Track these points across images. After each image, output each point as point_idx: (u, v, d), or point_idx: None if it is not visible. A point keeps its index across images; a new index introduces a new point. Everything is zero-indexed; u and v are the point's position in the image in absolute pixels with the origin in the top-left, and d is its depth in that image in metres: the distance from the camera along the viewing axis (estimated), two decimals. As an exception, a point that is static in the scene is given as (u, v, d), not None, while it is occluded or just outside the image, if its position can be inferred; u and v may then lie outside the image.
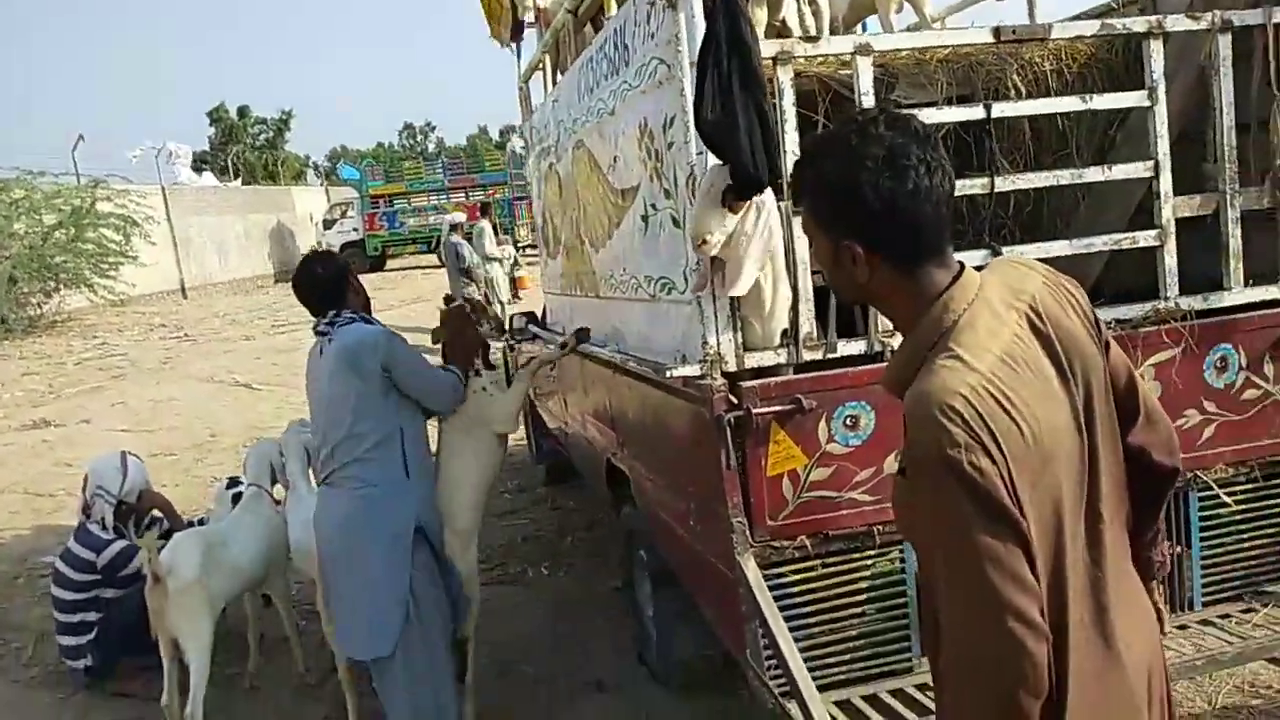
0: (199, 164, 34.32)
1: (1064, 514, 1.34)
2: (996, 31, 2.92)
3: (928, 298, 1.39)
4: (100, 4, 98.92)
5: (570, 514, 6.48)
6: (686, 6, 2.56)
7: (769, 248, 2.62)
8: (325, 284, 3.35)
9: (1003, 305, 1.40)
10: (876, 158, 1.33)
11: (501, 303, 12.21)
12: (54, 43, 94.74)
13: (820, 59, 2.90)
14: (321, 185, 39.83)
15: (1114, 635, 1.39)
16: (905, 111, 1.43)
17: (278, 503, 4.48)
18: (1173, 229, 3.01)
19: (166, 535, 4.32)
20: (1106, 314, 2.95)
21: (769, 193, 2.61)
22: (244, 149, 49.39)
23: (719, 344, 2.72)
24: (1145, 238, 3.01)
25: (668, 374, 2.83)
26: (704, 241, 2.53)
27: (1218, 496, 3.03)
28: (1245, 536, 3.10)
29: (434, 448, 3.58)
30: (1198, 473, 3.01)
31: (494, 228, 14.02)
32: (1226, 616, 3.06)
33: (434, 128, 73.59)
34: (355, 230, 27.20)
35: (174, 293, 21.56)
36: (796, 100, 2.85)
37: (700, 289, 2.68)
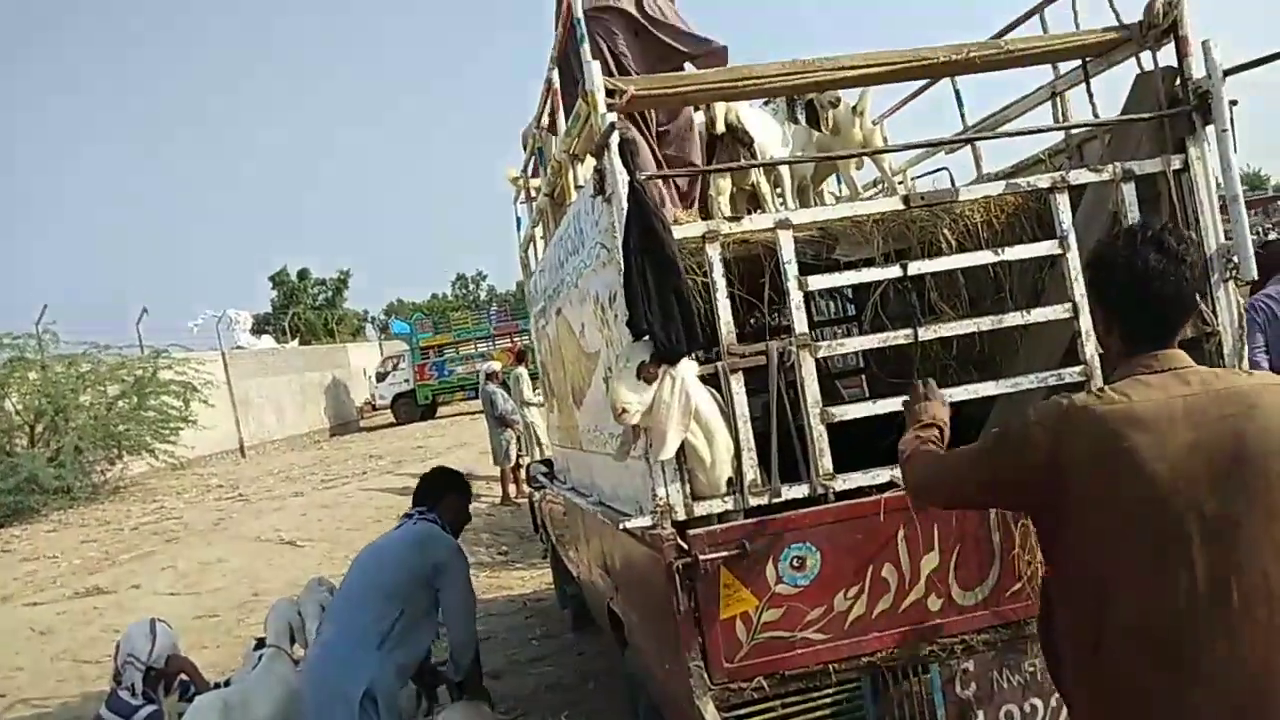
0: (260, 327, 35.92)
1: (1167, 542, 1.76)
2: (906, 199, 3.22)
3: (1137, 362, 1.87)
4: (161, 179, 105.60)
5: (592, 659, 6.55)
6: (618, 201, 2.91)
7: (688, 411, 2.86)
8: (429, 485, 4.05)
9: (1196, 379, 1.83)
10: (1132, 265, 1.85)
11: (541, 447, 12.51)
12: (119, 211, 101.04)
13: (750, 232, 3.19)
14: (378, 339, 41.28)
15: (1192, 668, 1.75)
16: (1159, 232, 1.88)
17: (297, 663, 4.67)
18: (1097, 364, 3.20)
19: (192, 698, 4.54)
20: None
21: (683, 362, 2.87)
22: (304, 309, 51.46)
23: (668, 495, 2.93)
24: (1070, 374, 3.20)
25: (621, 526, 3.04)
26: (623, 411, 2.79)
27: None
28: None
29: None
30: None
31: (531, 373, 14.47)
32: None
33: (485, 276, 76.03)
34: (406, 381, 28.09)
35: (233, 452, 22.30)
36: (744, 264, 3.17)
37: (624, 456, 2.94)
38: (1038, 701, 3.07)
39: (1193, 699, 1.77)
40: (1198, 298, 2.29)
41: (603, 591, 4.52)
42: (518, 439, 12.60)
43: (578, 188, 3.65)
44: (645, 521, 2.97)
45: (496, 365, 13.12)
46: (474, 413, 25.51)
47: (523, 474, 12.26)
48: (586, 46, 2.97)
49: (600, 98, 2.94)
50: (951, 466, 2.15)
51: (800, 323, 3.06)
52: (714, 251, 3.03)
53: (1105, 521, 1.82)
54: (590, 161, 3.85)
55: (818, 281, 3.14)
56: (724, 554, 2.86)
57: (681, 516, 2.94)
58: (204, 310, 26.57)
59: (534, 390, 13.98)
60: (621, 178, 2.87)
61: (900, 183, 5.17)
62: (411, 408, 27.58)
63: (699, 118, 4.31)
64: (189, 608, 8.02)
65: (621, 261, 2.81)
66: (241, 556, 10.12)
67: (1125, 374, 1.88)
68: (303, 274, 55.18)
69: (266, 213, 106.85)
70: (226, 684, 4.84)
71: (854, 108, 5.00)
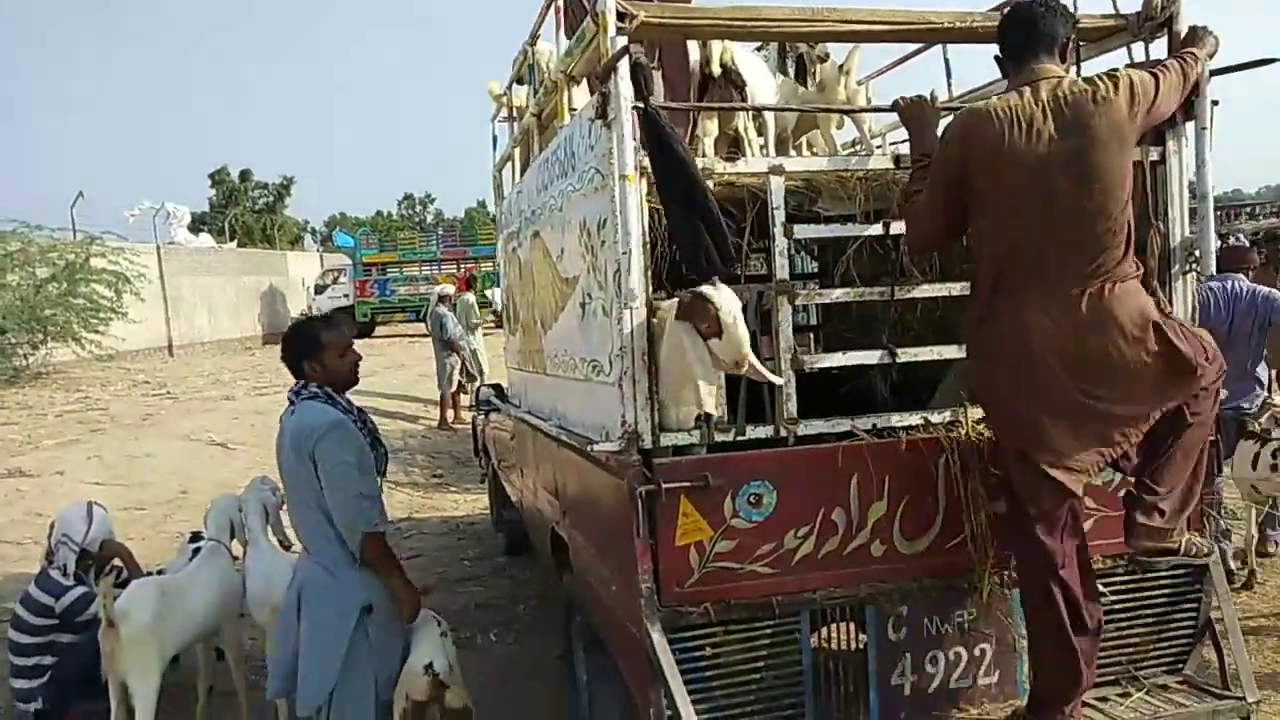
0: (197, 225, 34.84)
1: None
2: (896, 159, 3.29)
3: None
4: (110, 64, 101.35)
5: (525, 584, 6.68)
6: (619, 127, 2.91)
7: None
8: (289, 355, 3.56)
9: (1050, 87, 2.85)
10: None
11: (482, 373, 12.52)
12: (60, 99, 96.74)
13: (737, 174, 3.23)
14: (318, 251, 40.40)
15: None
16: None
17: (235, 559, 4.68)
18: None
19: (124, 584, 4.52)
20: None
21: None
22: (243, 212, 50.08)
23: (637, 423, 3.00)
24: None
25: (590, 448, 3.10)
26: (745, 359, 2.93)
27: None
28: (1122, 625, 3.35)
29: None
30: (1077, 562, 3.27)
31: (478, 301, 14.41)
32: (1104, 699, 3.29)
33: (434, 199, 74.68)
34: (346, 296, 27.63)
35: (160, 350, 21.78)
36: (730, 207, 3.22)
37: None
38: (962, 650, 3.24)
39: (1030, 318, 2.82)
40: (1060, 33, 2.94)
41: (548, 516, 4.60)
42: (462, 364, 12.57)
43: (571, 110, 3.64)
44: (613, 446, 3.03)
45: (450, 289, 13.04)
46: (413, 335, 25.33)
47: (465, 399, 12.26)
48: (602, -34, 2.95)
49: (611, 19, 2.92)
50: (923, 204, 3.02)
51: (782, 269, 3.12)
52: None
53: (991, 195, 2.85)
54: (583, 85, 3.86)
55: (803, 230, 3.19)
56: (686, 484, 2.94)
57: (648, 445, 3.00)
58: (141, 201, 25.69)
59: (479, 316, 13.98)
60: (626, 103, 2.87)
61: (879, 146, 5.23)
62: (349, 323, 27.18)
63: (694, 57, 4.30)
64: (116, 499, 7.87)
65: (660, 194, 2.88)
66: (170, 454, 9.99)
67: (1010, 87, 2.93)
68: (244, 175, 53.62)
69: (213, 111, 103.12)
70: (159, 574, 4.83)
71: (840, 66, 5.03)
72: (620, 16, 2.95)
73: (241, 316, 26.97)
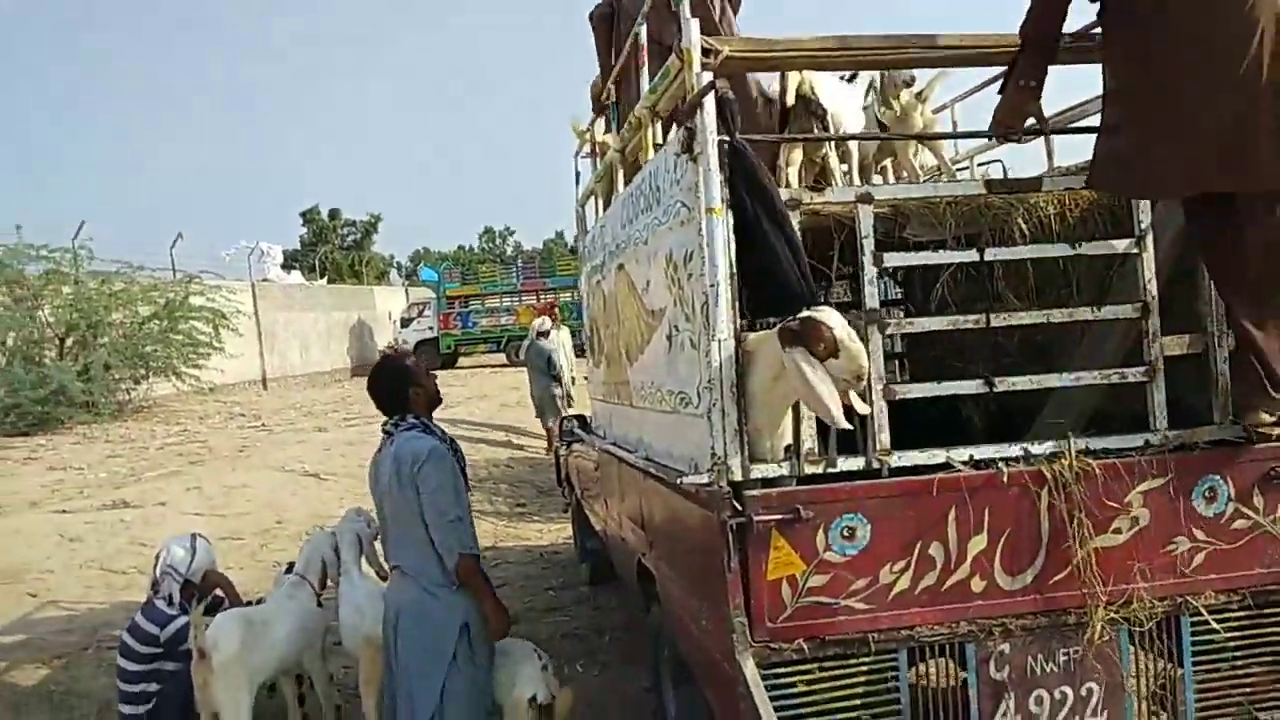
0: (289, 263, 36.10)
1: None
2: (989, 184, 3.23)
3: None
4: (207, 108, 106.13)
5: (610, 613, 6.66)
6: (705, 161, 2.92)
7: None
8: (388, 389, 3.76)
9: None
10: None
11: (571, 404, 12.72)
12: (158, 141, 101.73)
13: (825, 203, 3.21)
14: (403, 285, 41.44)
15: None
16: None
17: (319, 595, 4.78)
18: (1161, 365, 3.21)
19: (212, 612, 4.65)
20: (1097, 443, 3.15)
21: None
22: (332, 249, 51.69)
23: (726, 455, 2.98)
24: (1134, 374, 3.22)
25: (680, 481, 3.09)
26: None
27: (1208, 623, 3.13)
28: (1239, 664, 3.19)
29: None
30: (1188, 598, 3.13)
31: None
32: (1223, 742, 3.13)
33: (513, 232, 75.92)
34: (430, 329, 28.23)
35: (255, 383, 22.54)
36: (812, 235, 3.20)
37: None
38: (1068, 690, 3.12)
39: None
40: None
41: (634, 547, 4.60)
42: (565, 395, 12.78)
43: (656, 145, 3.67)
44: (702, 479, 3.02)
45: (549, 322, 13.24)
46: (494, 366, 25.76)
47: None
48: (687, 3, 2.97)
49: (696, 55, 2.94)
50: None
51: (872, 298, 3.08)
52: (794, 220, 3.05)
53: None
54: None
55: (893, 258, 3.15)
56: (778, 517, 2.91)
57: (738, 477, 2.98)
58: (237, 241, 26.76)
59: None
60: (712, 137, 2.88)
61: (964, 169, 5.16)
62: (433, 355, 27.72)
63: (774, 87, 4.31)
64: (214, 529, 8.11)
65: (748, 227, 2.88)
66: (265, 485, 10.27)
67: None
68: (334, 214, 55.38)
69: (303, 151, 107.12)
70: (259, 603, 4.97)
71: (919, 94, 4.98)
72: (705, 52, 2.98)
73: (331, 350, 27.77)
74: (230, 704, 4.05)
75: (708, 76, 2.91)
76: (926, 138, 4.42)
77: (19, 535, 7.77)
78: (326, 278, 39.07)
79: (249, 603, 5.07)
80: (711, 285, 2.94)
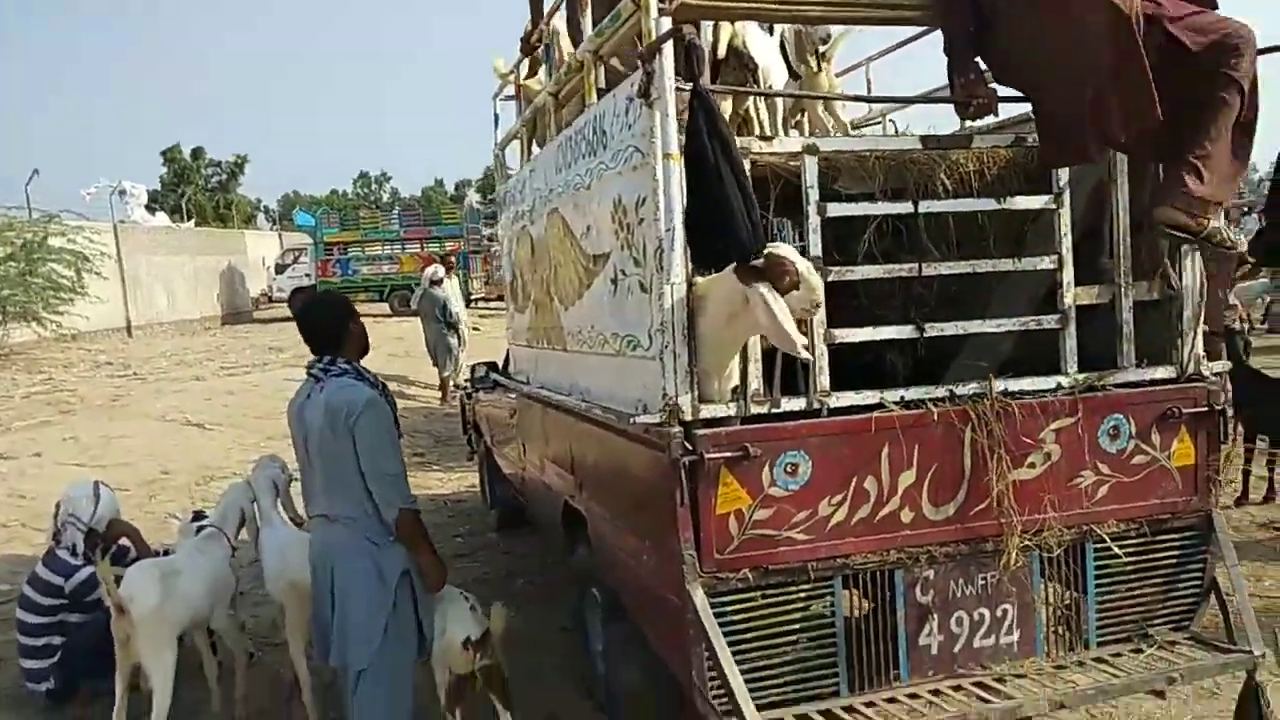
0: (152, 204, 34.13)
1: None
2: (924, 140, 3.39)
3: None
4: (61, 39, 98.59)
5: (521, 559, 6.74)
6: (662, 105, 2.97)
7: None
8: (323, 323, 3.57)
9: None
10: None
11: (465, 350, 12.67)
12: (9, 75, 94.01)
13: (773, 154, 3.31)
14: (275, 230, 39.78)
15: None
16: None
17: (235, 549, 4.67)
18: (1073, 314, 3.47)
19: (129, 563, 4.50)
20: (1015, 385, 3.39)
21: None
22: (196, 190, 49.13)
23: (677, 396, 3.07)
24: (1049, 321, 3.47)
25: (631, 421, 3.17)
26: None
27: (1110, 549, 3.44)
28: (1135, 586, 3.52)
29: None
30: (1093, 527, 3.43)
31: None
32: (1118, 655, 3.46)
33: (389, 178, 73.94)
34: (307, 276, 27.24)
35: (119, 330, 21.36)
36: (754, 186, 3.29)
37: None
38: (986, 611, 3.38)
39: None
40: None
41: (559, 490, 4.67)
42: (461, 342, 12.68)
43: (599, 90, 3.68)
44: (654, 419, 3.10)
45: (442, 270, 13.03)
46: (377, 315, 25.11)
47: (460, 377, 12.30)
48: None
49: (653, 0, 2.97)
50: None
51: (815, 246, 3.21)
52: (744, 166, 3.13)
53: None
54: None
55: (835, 208, 3.28)
56: (727, 454, 3.03)
57: (689, 417, 3.08)
58: (98, 179, 25.10)
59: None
60: (670, 83, 2.93)
61: (877, 127, 5.34)
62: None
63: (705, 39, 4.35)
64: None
65: (706, 174, 2.92)
66: (145, 435, 9.87)
67: None
68: (196, 153, 52.60)
69: (165, 86, 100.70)
70: (166, 554, 4.82)
71: (822, 54, 5.12)
72: (661, -2, 3.00)
73: (200, 296, 26.51)
74: (155, 657, 3.94)
75: (666, 22, 2.94)
76: (862, 99, 4.55)
77: (-121, 487, 7.27)
78: (192, 220, 37.13)
79: (158, 552, 4.92)
80: (667, 230, 3.00)
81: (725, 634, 3.04)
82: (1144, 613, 3.54)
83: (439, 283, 12.89)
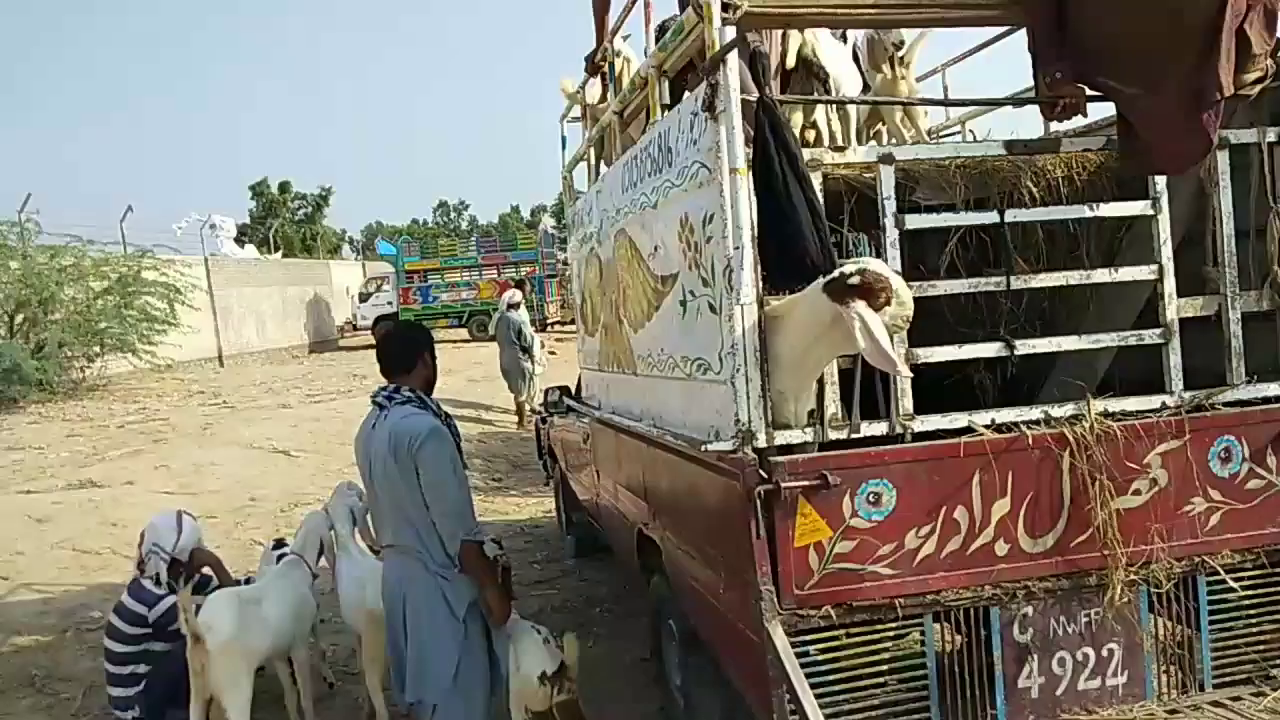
0: (241, 237, 35.32)
1: None
2: (1009, 144, 3.19)
3: None
4: (151, 81, 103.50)
5: (597, 585, 6.63)
6: (728, 119, 2.85)
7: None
8: (400, 346, 3.60)
9: None
10: None
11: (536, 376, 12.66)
12: (103, 114, 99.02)
13: (846, 165, 3.16)
14: (358, 260, 40.79)
15: None
16: None
17: (315, 577, 4.68)
18: (1176, 328, 3.22)
19: (211, 591, 4.53)
20: (1116, 405, 3.16)
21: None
22: (283, 223, 50.70)
23: (751, 421, 2.93)
24: (1150, 335, 3.23)
25: (703, 448, 3.04)
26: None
27: (1224, 582, 3.17)
28: (1253, 622, 3.23)
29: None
30: (1205, 558, 3.16)
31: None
32: (1237, 699, 3.17)
33: (467, 206, 75.29)
34: (390, 304, 27.83)
35: (211, 360, 22.05)
36: (826, 199, 3.14)
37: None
38: (1090, 651, 3.14)
39: None
40: None
41: (633, 518, 4.55)
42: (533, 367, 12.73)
43: (664, 106, 3.58)
44: (726, 446, 2.97)
45: (519, 295, 13.13)
46: (456, 341, 25.48)
47: (535, 401, 12.33)
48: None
49: (716, 10, 2.86)
50: None
51: (894, 260, 3.04)
52: (815, 181, 2.99)
53: None
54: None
55: (914, 221, 3.11)
56: (805, 483, 2.87)
57: (763, 444, 2.94)
58: (189, 214, 26.06)
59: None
60: (735, 95, 2.81)
61: (956, 134, 5.13)
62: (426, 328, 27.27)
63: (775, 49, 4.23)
64: (186, 507, 7.95)
65: (774, 189, 2.80)
66: (235, 462, 10.07)
67: None
68: (284, 186, 54.24)
69: (252, 123, 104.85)
70: (248, 582, 4.85)
71: (901, 58, 4.93)
72: (724, 7, 2.89)
73: (288, 326, 27.26)
74: (230, 688, 3.94)
75: (730, 31, 2.83)
76: (939, 103, 4.37)
77: (-17, 517, 7.54)
78: (280, 252, 38.30)
79: (238, 581, 4.96)
80: (736, 248, 2.88)
81: (807, 674, 2.87)
82: (1264, 651, 3.24)
83: (516, 306, 12.97)
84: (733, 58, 2.81)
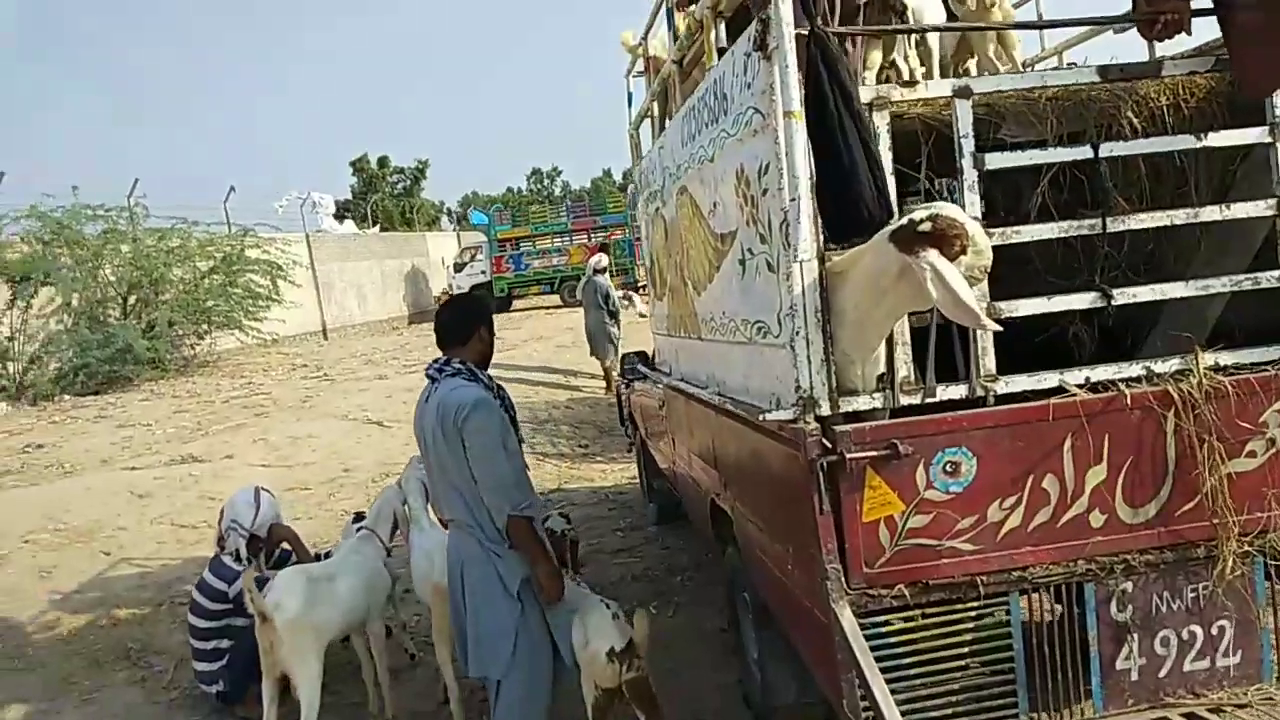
0: (341, 212, 36.18)
1: None
2: (1103, 70, 2.85)
3: None
4: (250, 63, 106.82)
5: (679, 553, 6.50)
6: (781, 57, 2.60)
7: None
8: (458, 317, 3.53)
9: None
10: None
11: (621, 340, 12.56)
12: (208, 99, 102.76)
13: (920, 102, 2.87)
14: (454, 230, 41.37)
15: None
16: None
17: (389, 552, 4.66)
18: (1300, 268, 2.85)
19: (281, 565, 4.57)
20: (1228, 358, 2.82)
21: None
22: (383, 197, 51.75)
23: (813, 388, 2.71)
24: (1268, 278, 2.86)
25: (761, 418, 2.84)
26: None
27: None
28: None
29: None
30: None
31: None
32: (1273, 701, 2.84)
33: (560, 172, 75.40)
34: (483, 273, 28.13)
35: (315, 334, 22.70)
36: (900, 140, 2.87)
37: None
38: (1197, 629, 2.84)
39: None
40: None
41: (706, 487, 4.38)
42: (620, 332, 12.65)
43: (720, 50, 3.34)
44: (786, 415, 2.76)
45: (605, 260, 13.03)
46: (549, 307, 25.63)
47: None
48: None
49: (767, -61, 2.61)
50: None
51: (973, 205, 2.76)
52: (882, 121, 2.73)
53: None
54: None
55: (995, 159, 2.81)
56: (872, 453, 2.65)
57: (826, 411, 2.71)
58: (289, 192, 26.76)
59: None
60: (789, 30, 2.56)
61: (1054, 66, 4.71)
62: (488, 299, 27.65)
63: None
64: (281, 479, 8.14)
65: (829, 130, 2.53)
66: (330, 434, 10.27)
67: None
68: (383, 161, 55.32)
69: (350, 101, 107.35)
70: (327, 555, 4.88)
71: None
72: (774, -67, 2.63)
73: (387, 298, 27.85)
74: (301, 665, 3.94)
75: (781, -39, 2.57)
76: (1024, 26, 3.99)
77: (91, 493, 7.83)
78: (379, 226, 39.13)
79: (318, 555, 4.99)
80: (792, 200, 2.64)
81: (880, 658, 2.67)
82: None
83: (603, 271, 12.85)
84: (785, -15, 2.55)
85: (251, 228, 19.06)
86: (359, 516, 5.10)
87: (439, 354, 3.51)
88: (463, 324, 3.49)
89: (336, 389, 13.43)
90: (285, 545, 5.03)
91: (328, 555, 4.90)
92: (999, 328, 2.63)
